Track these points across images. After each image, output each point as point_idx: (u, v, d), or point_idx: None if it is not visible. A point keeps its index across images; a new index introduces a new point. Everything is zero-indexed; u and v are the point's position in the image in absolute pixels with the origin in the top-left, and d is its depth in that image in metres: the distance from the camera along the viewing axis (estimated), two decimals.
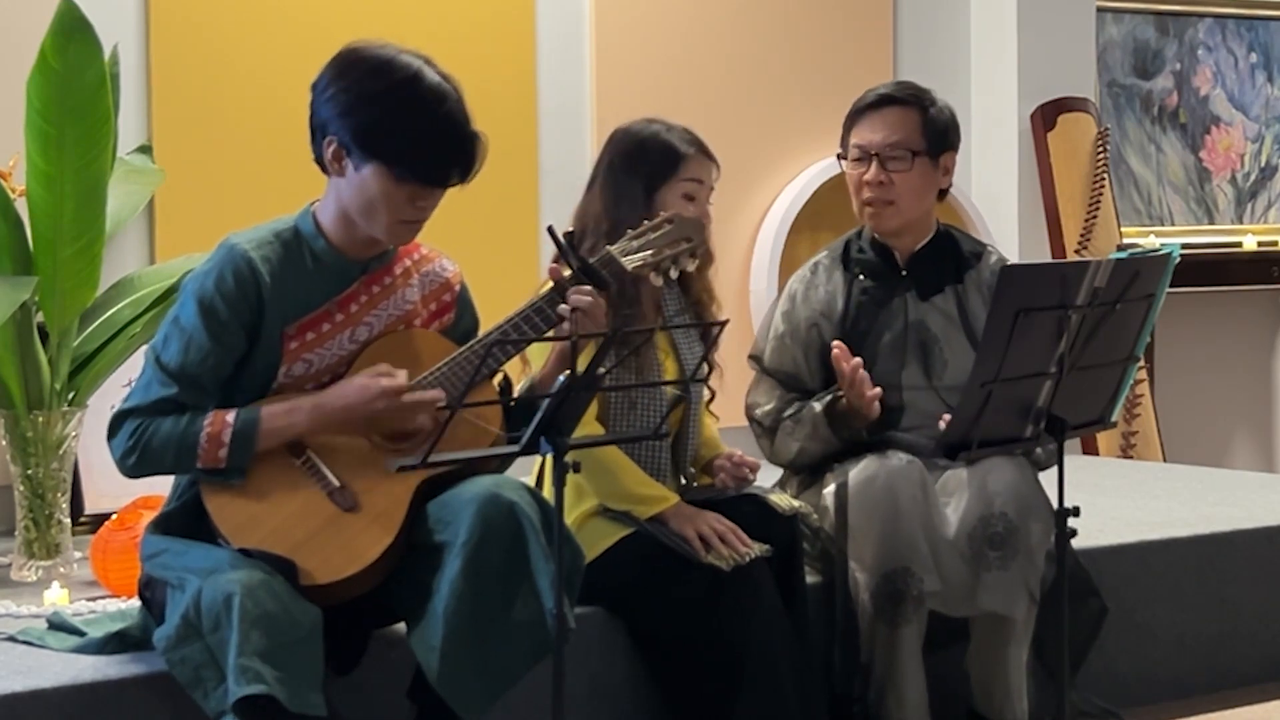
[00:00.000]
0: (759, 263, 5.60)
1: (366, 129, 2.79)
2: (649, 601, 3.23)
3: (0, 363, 3.93)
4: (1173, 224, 6.71)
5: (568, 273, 2.96)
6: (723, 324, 2.89)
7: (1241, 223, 6.89)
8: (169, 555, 2.81)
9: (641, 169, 3.32)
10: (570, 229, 3.31)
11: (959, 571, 3.33)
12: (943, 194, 3.67)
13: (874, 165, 3.55)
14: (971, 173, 6.10)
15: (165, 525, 2.89)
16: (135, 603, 3.10)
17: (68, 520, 4.04)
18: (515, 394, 2.99)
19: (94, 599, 3.63)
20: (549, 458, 2.67)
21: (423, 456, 2.58)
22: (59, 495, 4.01)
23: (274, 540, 2.76)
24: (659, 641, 3.26)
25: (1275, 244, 6.83)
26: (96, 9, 4.00)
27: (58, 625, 3.18)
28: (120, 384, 4.33)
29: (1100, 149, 6.09)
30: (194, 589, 2.67)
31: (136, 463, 2.82)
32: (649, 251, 3.01)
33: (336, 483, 2.83)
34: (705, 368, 3.34)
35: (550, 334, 2.91)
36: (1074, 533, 3.04)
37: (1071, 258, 5.84)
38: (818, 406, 3.49)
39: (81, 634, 3.09)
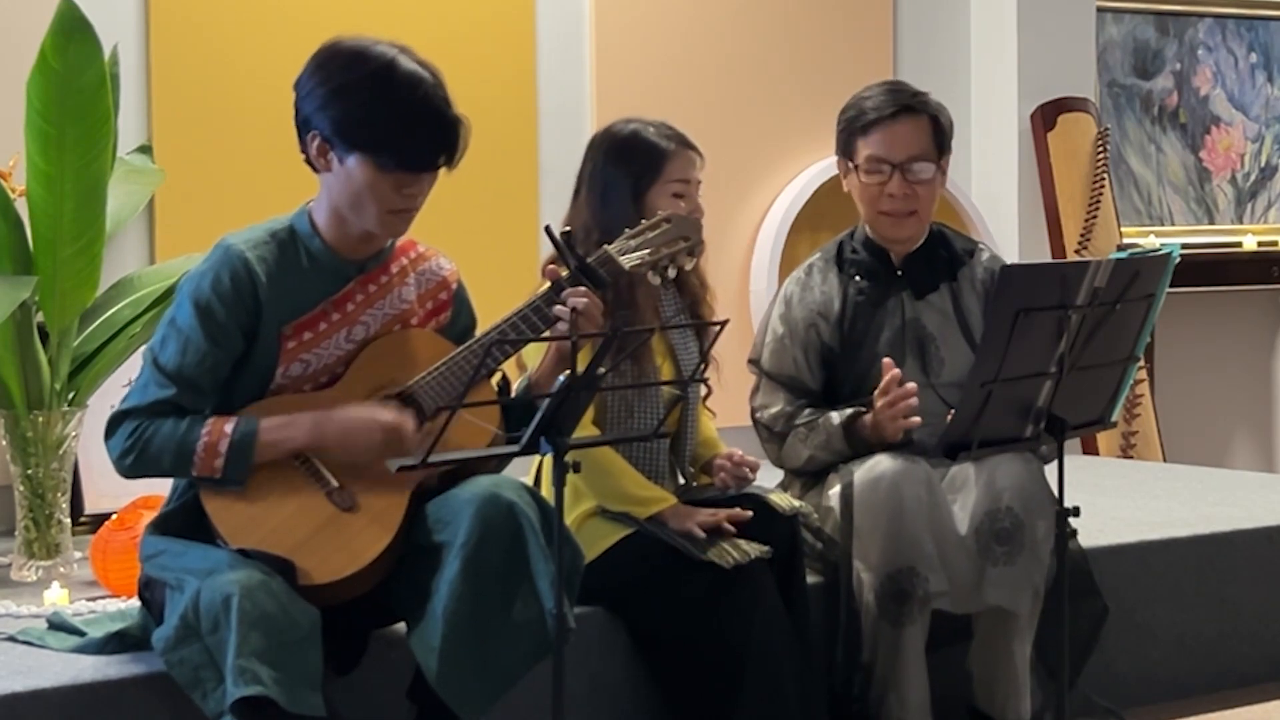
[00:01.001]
0: (759, 263, 5.60)
1: (346, 120, 2.79)
2: (649, 601, 3.23)
3: (0, 363, 3.93)
4: (1173, 224, 6.71)
5: (565, 273, 2.96)
6: (723, 324, 2.89)
7: (1241, 223, 6.89)
8: (168, 556, 2.81)
9: (626, 173, 3.30)
10: (568, 228, 3.30)
11: (965, 568, 3.33)
12: None
13: (896, 177, 3.54)
14: (971, 173, 6.10)
15: (164, 526, 2.89)
16: (135, 603, 3.10)
17: (68, 520, 4.04)
18: (513, 393, 2.99)
19: (94, 599, 3.63)
20: (547, 458, 2.66)
21: (422, 456, 2.58)
22: (59, 495, 4.01)
23: (272, 541, 2.76)
24: (659, 641, 3.26)
25: (1275, 244, 6.83)
26: (96, 9, 4.00)
27: (58, 625, 3.18)
28: (120, 384, 4.33)
29: (1100, 149, 6.09)
30: (193, 590, 2.67)
31: (133, 464, 2.82)
32: (646, 251, 3.01)
33: (335, 483, 2.83)
34: (703, 368, 3.33)
35: (549, 334, 2.91)
36: (1074, 532, 3.04)
37: (1071, 258, 5.84)
38: (836, 420, 3.48)
39: (81, 634, 3.09)
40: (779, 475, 3.70)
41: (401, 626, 2.85)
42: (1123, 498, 4.66)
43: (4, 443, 4.05)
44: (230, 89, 4.86)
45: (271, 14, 4.92)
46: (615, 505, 3.25)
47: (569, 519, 3.15)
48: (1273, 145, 6.98)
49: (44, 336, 3.99)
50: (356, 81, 2.79)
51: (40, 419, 3.96)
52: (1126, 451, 6.07)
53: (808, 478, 3.60)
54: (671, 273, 3.06)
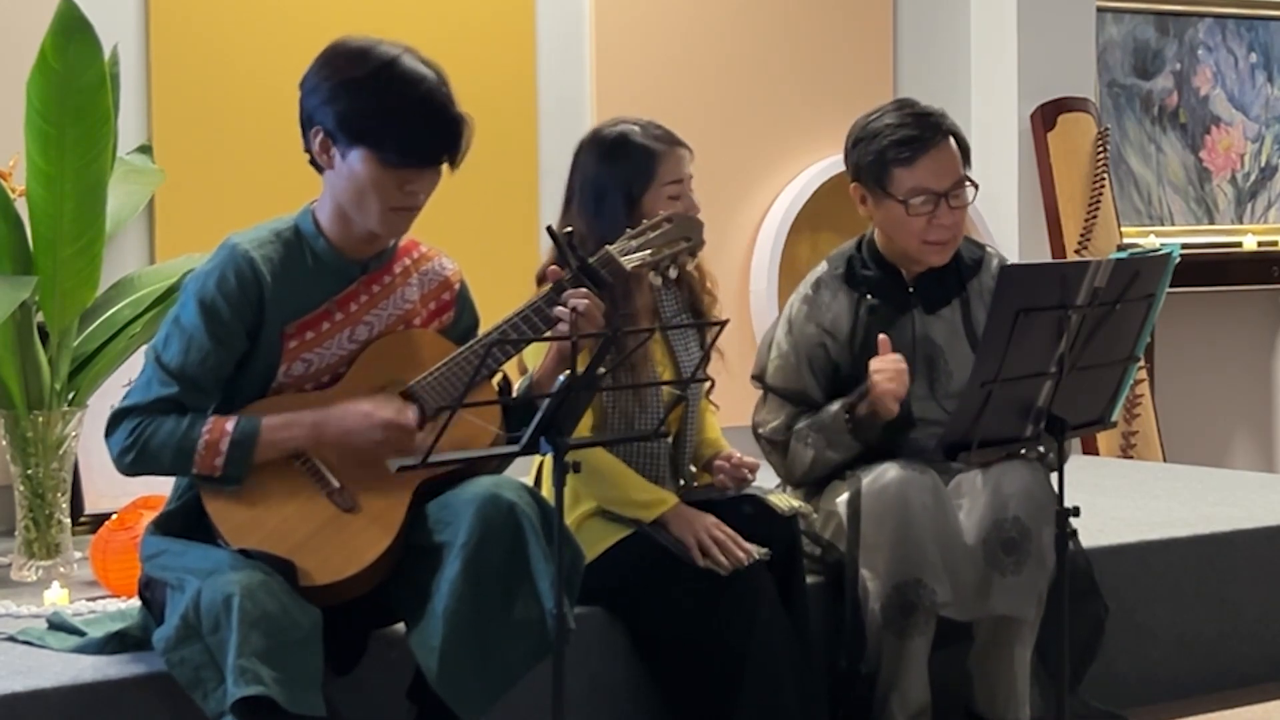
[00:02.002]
0: (759, 263, 5.60)
1: (349, 114, 2.80)
2: (649, 602, 3.23)
3: (0, 363, 3.93)
4: (1173, 224, 6.71)
5: (567, 273, 2.96)
6: (723, 323, 2.88)
7: (1241, 223, 6.89)
8: (168, 556, 2.81)
9: (619, 180, 3.27)
10: (569, 229, 3.30)
11: (971, 576, 3.33)
12: None
13: (944, 206, 3.46)
14: (971, 173, 6.09)
15: (165, 525, 2.89)
16: (135, 603, 3.10)
17: (68, 520, 4.04)
18: (514, 393, 2.99)
19: (94, 599, 3.63)
20: (548, 458, 2.66)
21: (423, 457, 2.58)
22: (59, 495, 4.01)
23: (273, 541, 2.76)
24: (659, 642, 3.26)
25: (1275, 244, 6.83)
26: (96, 9, 3.99)
27: (58, 625, 3.18)
28: (120, 384, 4.33)
29: (1100, 149, 6.09)
30: (193, 590, 2.67)
31: (134, 461, 2.82)
32: (648, 251, 3.01)
33: (336, 483, 2.83)
34: (703, 368, 3.32)
35: (550, 334, 2.91)
36: (1074, 532, 3.04)
37: (1071, 258, 5.84)
38: (836, 406, 3.46)
39: (81, 634, 3.09)
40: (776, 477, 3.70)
41: (401, 626, 2.85)
42: (1123, 498, 4.66)
43: (4, 443, 4.05)
44: (230, 89, 4.86)
45: (271, 14, 4.92)
46: (618, 510, 3.25)
47: (569, 519, 3.15)
48: (1273, 145, 6.98)
49: (44, 336, 3.99)
50: (361, 77, 2.80)
51: (40, 419, 3.96)
52: (1126, 451, 6.07)
53: (809, 485, 3.59)
54: (673, 273, 3.06)
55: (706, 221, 3.22)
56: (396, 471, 2.67)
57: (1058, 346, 2.95)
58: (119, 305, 4.19)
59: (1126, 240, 6.22)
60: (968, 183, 3.50)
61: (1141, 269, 3.04)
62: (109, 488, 4.42)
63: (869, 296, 3.55)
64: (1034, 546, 3.32)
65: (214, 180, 4.82)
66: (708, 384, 3.40)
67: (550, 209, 5.06)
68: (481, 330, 3.01)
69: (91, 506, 4.47)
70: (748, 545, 3.19)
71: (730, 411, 3.67)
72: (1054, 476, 3.09)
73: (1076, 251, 5.95)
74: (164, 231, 4.79)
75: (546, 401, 2.63)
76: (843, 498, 3.40)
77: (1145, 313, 3.14)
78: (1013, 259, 5.77)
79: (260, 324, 2.84)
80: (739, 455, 3.37)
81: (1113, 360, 3.12)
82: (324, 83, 2.83)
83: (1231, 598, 4.11)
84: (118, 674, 2.90)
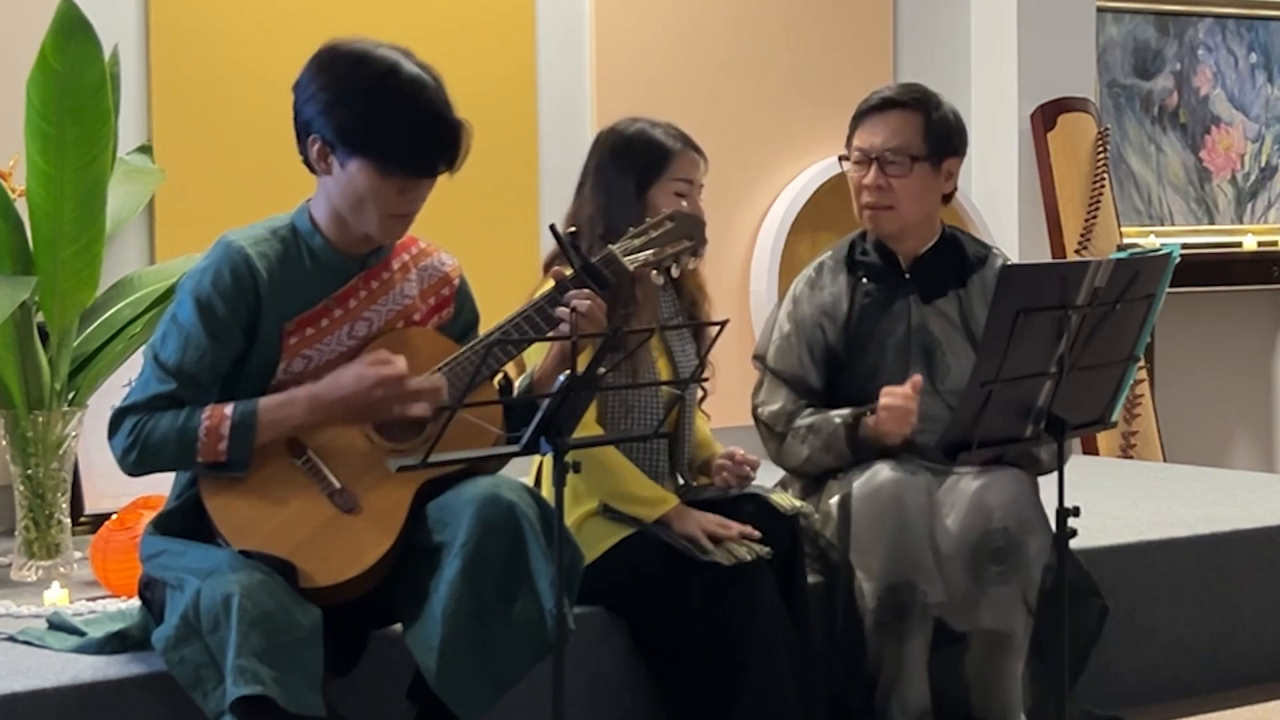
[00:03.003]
0: (759, 263, 5.60)
1: (349, 125, 2.79)
2: (650, 602, 3.23)
3: (0, 363, 3.93)
4: (1173, 224, 6.71)
5: (569, 272, 2.95)
6: (723, 324, 2.88)
7: (1241, 223, 6.89)
8: (168, 556, 2.80)
9: (631, 168, 3.31)
10: (572, 228, 3.30)
11: (961, 582, 3.33)
12: (947, 199, 3.64)
13: (873, 169, 3.53)
14: (971, 173, 6.09)
15: (165, 525, 2.89)
16: (135, 603, 3.10)
17: (68, 520, 4.04)
18: (514, 392, 2.99)
19: (94, 599, 3.62)
20: (548, 457, 2.66)
21: (423, 457, 2.57)
22: (59, 495, 4.01)
23: (273, 541, 2.76)
24: (659, 642, 3.26)
25: (1275, 244, 6.83)
26: (96, 9, 4.00)
27: (58, 625, 3.18)
28: (120, 384, 4.33)
29: (1100, 149, 6.09)
30: (193, 589, 2.67)
31: (137, 459, 2.82)
32: (650, 251, 3.01)
33: (337, 484, 2.83)
34: (703, 368, 3.32)
35: (550, 334, 2.91)
36: (1074, 533, 3.04)
37: (1071, 258, 5.84)
38: (838, 420, 3.46)
39: (81, 634, 3.09)
40: (779, 474, 3.70)
41: (401, 626, 2.85)
42: (1123, 498, 4.66)
43: (4, 443, 4.05)
44: (230, 89, 4.85)
45: (271, 14, 4.92)
46: (619, 505, 3.25)
47: (570, 519, 3.15)
48: (1273, 145, 6.98)
49: (44, 336, 3.99)
50: (360, 87, 2.79)
51: (40, 419, 3.96)
52: (1126, 451, 6.07)
53: (808, 480, 3.59)
54: (675, 272, 3.06)
55: (707, 221, 3.22)
56: (397, 471, 2.67)
57: (1058, 346, 2.95)
58: (119, 305, 4.19)
59: (1126, 240, 6.22)
60: (908, 158, 3.52)
61: (1141, 269, 3.04)
62: (109, 488, 4.42)
63: (865, 280, 3.58)
64: (1021, 558, 3.32)
65: (214, 180, 4.82)
66: (705, 385, 3.41)
67: (550, 209, 5.07)
68: (483, 329, 3.01)
69: (91, 506, 4.47)
70: (754, 533, 3.20)
71: (727, 412, 3.67)
72: (1055, 477, 3.09)
73: (1076, 251, 5.95)
74: (164, 231, 4.78)
75: (546, 401, 2.63)
76: (835, 498, 3.41)
77: (1145, 313, 3.14)
78: (1013, 259, 5.77)
79: (257, 320, 2.84)
80: (741, 453, 3.37)
81: (1113, 360, 3.12)
82: (321, 91, 2.82)
83: (1231, 598, 4.11)
84: (118, 674, 2.90)
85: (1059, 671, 3.12)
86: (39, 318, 3.98)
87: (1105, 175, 6.10)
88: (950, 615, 3.35)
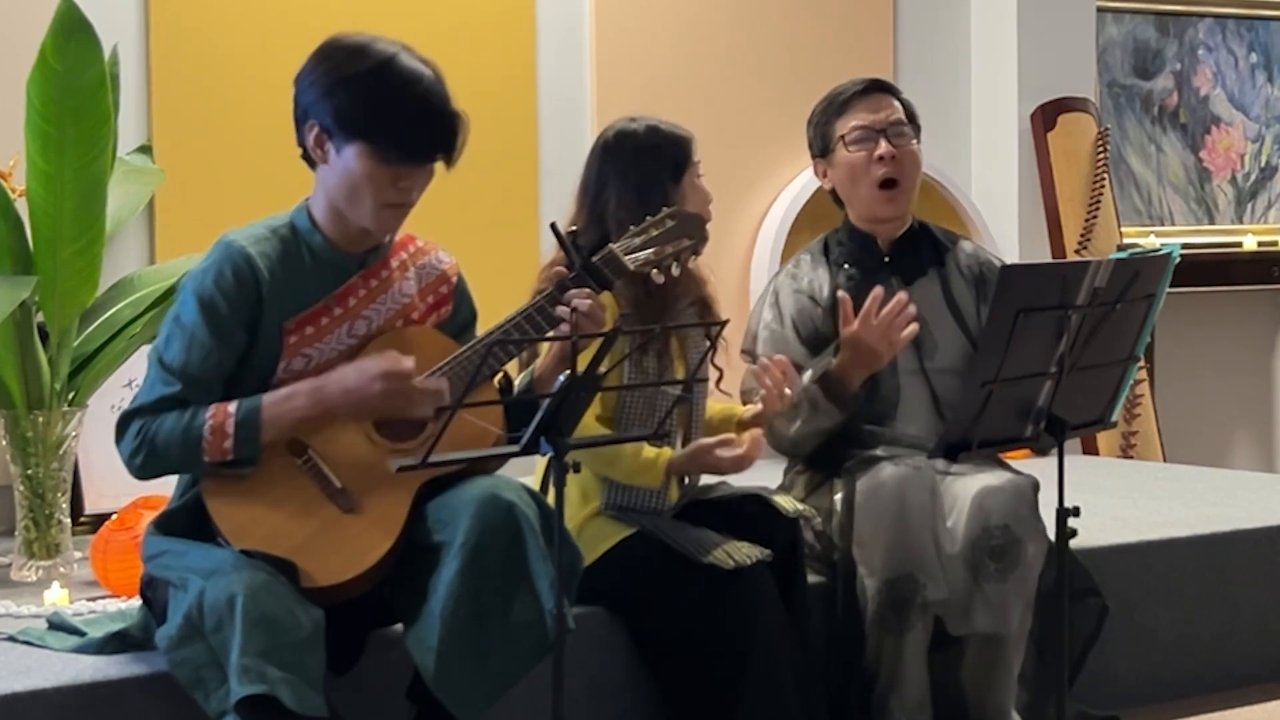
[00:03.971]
0: (759, 262, 5.60)
1: (347, 109, 2.80)
2: (650, 602, 3.23)
3: (0, 363, 3.93)
4: (1173, 224, 6.71)
5: (569, 272, 2.95)
6: (723, 324, 2.88)
7: (1241, 223, 6.89)
8: (170, 556, 2.80)
9: (663, 165, 3.31)
10: (573, 227, 3.30)
11: (962, 580, 3.33)
12: None
13: (883, 141, 3.60)
14: (971, 173, 6.10)
15: (167, 525, 2.88)
16: (135, 603, 3.10)
17: (68, 520, 4.04)
18: (514, 391, 2.99)
19: (94, 599, 3.63)
20: (549, 458, 2.66)
21: (423, 457, 2.57)
22: (59, 495, 4.01)
23: (274, 541, 2.76)
24: (660, 642, 3.26)
25: (1275, 244, 6.83)
26: (96, 9, 3.99)
27: (58, 625, 3.18)
28: (120, 384, 4.34)
29: (1100, 149, 6.09)
30: (197, 589, 2.67)
31: (144, 463, 2.82)
32: (651, 250, 3.00)
33: (338, 484, 2.83)
34: (707, 367, 3.31)
35: (551, 334, 2.91)
36: (1074, 533, 3.04)
37: (1071, 258, 5.84)
38: (807, 378, 3.46)
39: (81, 634, 3.09)
40: (780, 476, 3.70)
41: (401, 626, 2.85)
42: (1123, 498, 4.66)
43: (4, 443, 4.05)
44: (230, 89, 4.86)
45: (271, 14, 4.92)
46: (623, 478, 3.22)
47: (572, 520, 3.15)
48: (1273, 145, 6.98)
49: (44, 336, 3.99)
50: (360, 73, 2.80)
51: (40, 419, 3.96)
52: (1126, 451, 6.07)
53: (810, 475, 3.59)
54: (675, 270, 3.06)
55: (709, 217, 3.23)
56: (397, 471, 2.67)
57: (1058, 346, 2.95)
58: (119, 305, 4.19)
59: (1126, 240, 6.22)
60: (907, 126, 3.63)
61: (1141, 269, 3.04)
62: (109, 488, 4.42)
63: (846, 266, 3.61)
64: (1020, 556, 3.32)
65: (214, 180, 4.82)
66: (712, 380, 3.39)
67: (550, 208, 5.08)
68: (483, 328, 3.01)
69: (91, 506, 4.47)
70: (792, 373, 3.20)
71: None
72: (1055, 476, 3.09)
73: (1076, 251, 5.95)
74: (164, 231, 4.79)
75: (547, 401, 2.63)
76: (839, 495, 3.41)
77: (1145, 313, 3.14)
78: (1013, 259, 5.78)
79: (259, 320, 2.84)
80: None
81: (1113, 360, 3.12)
82: (321, 78, 2.83)
83: (1231, 598, 4.11)
84: (118, 674, 2.90)
85: (1059, 671, 3.12)
86: (39, 318, 3.98)
87: (1105, 175, 6.10)
88: (949, 615, 3.35)
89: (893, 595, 3.30)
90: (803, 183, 5.64)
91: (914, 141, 3.64)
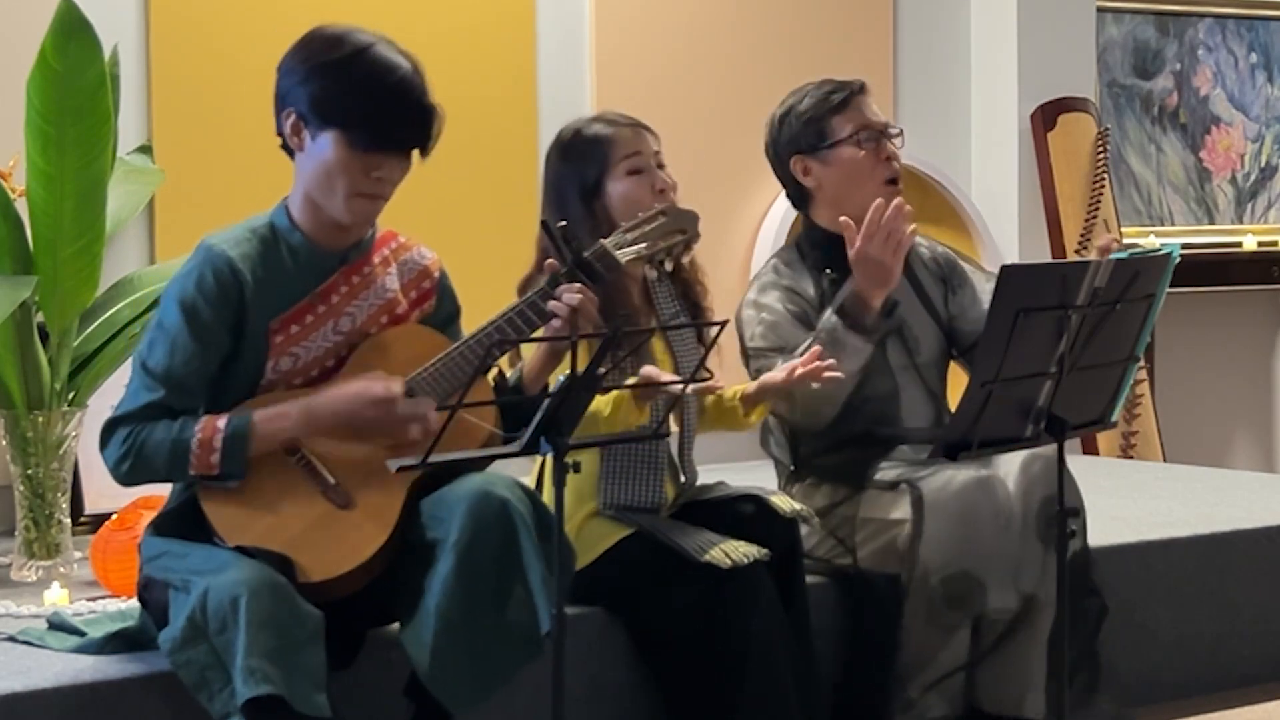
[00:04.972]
0: (759, 262, 5.59)
1: (322, 95, 2.81)
2: (649, 602, 3.23)
3: (0, 363, 3.93)
4: (1173, 224, 6.71)
5: (561, 268, 2.95)
6: (722, 324, 2.88)
7: (1241, 223, 6.89)
8: (170, 558, 2.80)
9: (575, 171, 3.30)
10: (563, 221, 3.29)
11: (1036, 550, 3.35)
12: None
13: (884, 142, 3.60)
14: (971, 173, 6.10)
15: (165, 526, 2.88)
16: (135, 603, 3.10)
17: (68, 520, 4.04)
18: (509, 386, 2.99)
19: (94, 599, 3.63)
20: (548, 458, 2.66)
21: (423, 457, 2.57)
22: (59, 495, 4.01)
23: (268, 537, 2.76)
24: (659, 642, 3.25)
25: (1275, 244, 6.83)
26: (96, 9, 4.00)
27: (58, 625, 3.18)
28: (120, 384, 4.32)
29: (1100, 149, 6.09)
30: (200, 591, 2.66)
31: (130, 471, 2.82)
32: (643, 244, 3.00)
33: (331, 480, 2.83)
34: (705, 369, 3.30)
35: (551, 334, 2.91)
36: (1074, 533, 3.04)
37: (1071, 258, 5.84)
38: (828, 313, 3.44)
39: (81, 634, 3.09)
40: (780, 476, 3.70)
41: (397, 625, 2.85)
42: (1123, 498, 4.66)
43: (4, 443, 4.05)
44: (230, 89, 4.86)
45: (271, 14, 4.92)
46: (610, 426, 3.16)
47: (570, 520, 3.15)
48: (1273, 145, 6.98)
49: (44, 336, 3.99)
50: (335, 61, 2.83)
51: (40, 419, 3.96)
52: (1126, 451, 6.07)
53: (808, 478, 3.59)
54: (668, 266, 3.05)
55: (707, 220, 3.22)
56: (396, 472, 2.67)
57: (1058, 346, 2.95)
58: (119, 305, 4.20)
59: (1126, 240, 6.22)
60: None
61: (1141, 269, 3.04)
62: (109, 488, 4.40)
63: (828, 271, 3.59)
64: (1080, 523, 3.35)
65: (214, 180, 4.82)
66: (708, 380, 3.38)
67: None
68: (473, 325, 3.00)
69: (91, 506, 4.47)
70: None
71: None
72: (1054, 477, 3.10)
73: (1076, 251, 5.95)
74: (164, 231, 4.79)
75: (546, 402, 2.63)
76: (905, 499, 3.41)
77: (1145, 313, 3.14)
78: (1013, 259, 5.78)
79: (243, 322, 2.85)
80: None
81: (1113, 360, 3.12)
82: (298, 65, 2.86)
83: (1231, 598, 4.11)
84: (118, 674, 2.90)
85: (1059, 670, 3.12)
86: (39, 318, 3.98)
87: (1105, 175, 6.10)
88: (1001, 600, 3.37)
89: (952, 591, 3.32)
90: None
91: (900, 141, 3.66)
